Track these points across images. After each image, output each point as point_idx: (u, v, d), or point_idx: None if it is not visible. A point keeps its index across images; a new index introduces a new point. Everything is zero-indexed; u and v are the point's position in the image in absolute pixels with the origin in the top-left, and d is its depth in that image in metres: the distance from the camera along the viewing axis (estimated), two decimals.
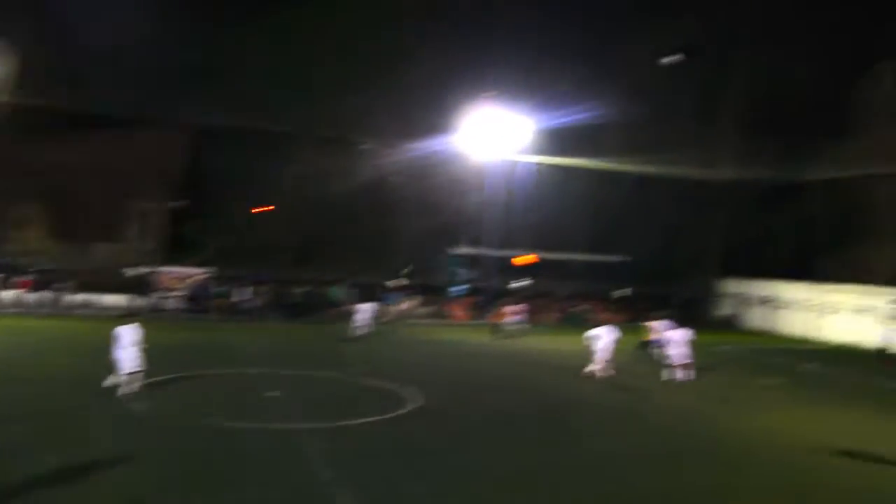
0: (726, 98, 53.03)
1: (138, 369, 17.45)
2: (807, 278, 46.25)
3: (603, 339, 24.15)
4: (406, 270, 46.34)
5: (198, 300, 40.01)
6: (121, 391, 17.33)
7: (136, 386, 17.50)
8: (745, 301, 51.16)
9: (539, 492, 12.71)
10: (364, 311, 32.83)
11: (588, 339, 24.65)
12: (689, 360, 23.71)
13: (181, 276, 40.52)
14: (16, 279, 37.99)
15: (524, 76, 47.84)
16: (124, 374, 17.40)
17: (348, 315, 35.98)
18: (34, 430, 14.64)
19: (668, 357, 24.16)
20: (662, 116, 49.30)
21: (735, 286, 52.29)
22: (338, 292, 40.74)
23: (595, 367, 24.19)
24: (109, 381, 17.66)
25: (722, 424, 18.85)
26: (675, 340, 23.95)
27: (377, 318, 34.41)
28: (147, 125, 40.91)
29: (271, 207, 48.83)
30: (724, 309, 52.67)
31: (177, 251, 47.85)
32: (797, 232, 50.68)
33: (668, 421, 19.04)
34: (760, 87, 50.68)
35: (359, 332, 32.14)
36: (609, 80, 48.68)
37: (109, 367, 17.66)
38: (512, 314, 37.24)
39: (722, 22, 51.49)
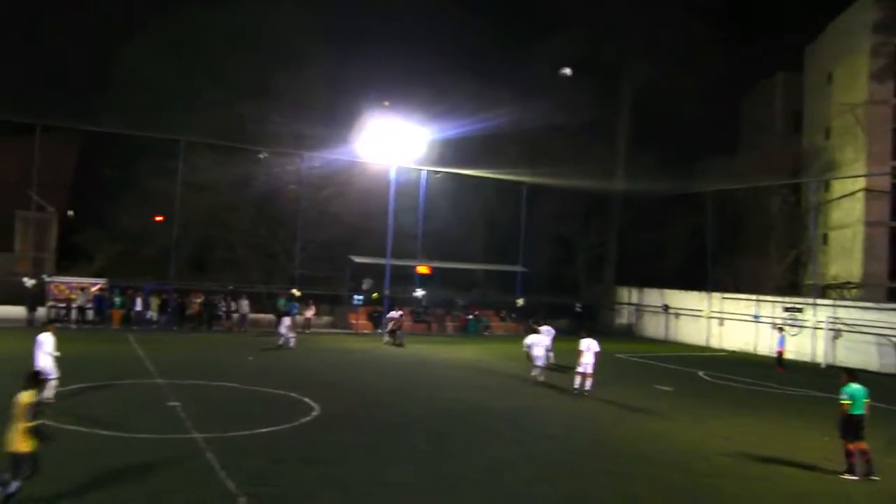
0: (620, 111, 56.41)
1: (53, 377, 18.42)
2: (698, 287, 49.19)
3: (539, 346, 26.75)
4: (366, 285, 47.78)
5: (95, 310, 40.54)
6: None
7: (50, 394, 18.24)
8: (641, 310, 54.07)
9: (438, 499, 13.38)
10: (285, 322, 34.19)
11: (526, 346, 27.12)
12: (591, 370, 24.66)
13: (76, 287, 40.94)
14: None
15: (421, 86, 50.09)
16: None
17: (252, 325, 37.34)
18: None
19: (579, 365, 24.85)
20: (558, 128, 52.16)
21: (631, 295, 55.21)
22: (285, 303, 42.02)
23: (536, 371, 26.68)
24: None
25: (616, 430, 19.54)
26: (582, 349, 24.82)
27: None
28: (35, 132, 41.21)
29: (162, 217, 49.30)
30: (621, 318, 55.61)
31: (70, 261, 48.31)
32: (688, 242, 53.95)
33: (560, 428, 19.57)
34: (654, 101, 53.93)
35: (288, 343, 33.73)
36: (505, 91, 51.40)
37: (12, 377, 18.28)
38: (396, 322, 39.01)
39: (616, 37, 54.74)
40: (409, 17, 53.11)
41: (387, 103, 48.46)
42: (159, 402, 19.81)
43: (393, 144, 45.37)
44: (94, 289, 40.72)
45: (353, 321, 45.28)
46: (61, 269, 45.96)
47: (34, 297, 39.28)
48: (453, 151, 49.11)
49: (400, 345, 37.37)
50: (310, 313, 43.35)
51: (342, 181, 48.95)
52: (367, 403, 21.84)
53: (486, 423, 19.87)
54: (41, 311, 39.09)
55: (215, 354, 31.48)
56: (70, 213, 52.24)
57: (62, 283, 40.98)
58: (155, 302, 41.93)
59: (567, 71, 38.37)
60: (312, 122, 48.75)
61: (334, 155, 47.52)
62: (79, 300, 40.08)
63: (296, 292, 43.72)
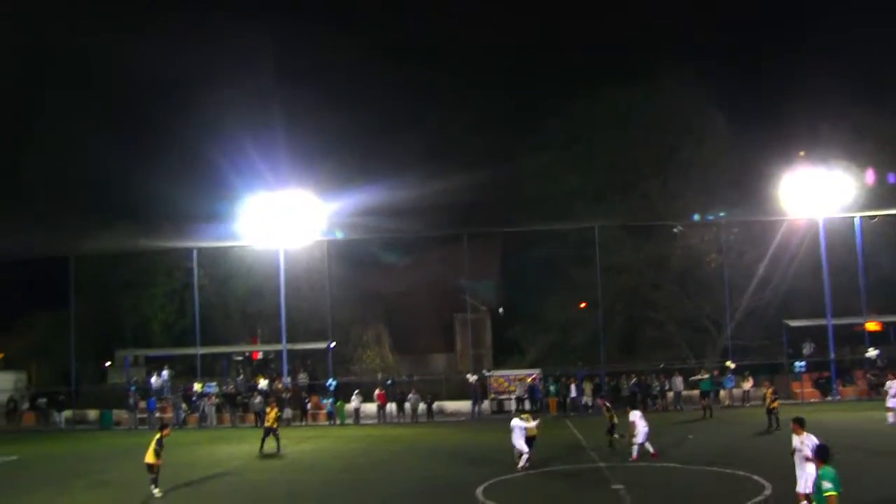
0: None
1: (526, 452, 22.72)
2: None
3: None
4: (807, 350, 44.68)
5: (531, 399, 41.86)
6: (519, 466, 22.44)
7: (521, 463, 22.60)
8: None
9: None
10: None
11: None
12: None
13: (514, 378, 42.82)
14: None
15: (841, 128, 46.13)
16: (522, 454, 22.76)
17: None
18: None
19: None
20: None
21: None
22: (707, 383, 40.09)
23: None
24: (522, 463, 22.69)
25: None
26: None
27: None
28: (463, 240, 44.64)
29: (585, 304, 50.16)
30: None
31: (505, 354, 50.89)
32: None
33: None
34: None
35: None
36: None
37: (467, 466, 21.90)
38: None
39: None
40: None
41: (802, 153, 45.30)
42: (603, 486, 20.14)
43: (817, 195, 42.16)
44: (529, 379, 42.28)
45: (797, 390, 41.71)
46: (497, 364, 48.58)
47: (476, 391, 42.38)
48: (891, 190, 44.09)
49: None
50: (747, 385, 40.99)
51: (765, 242, 46.35)
52: None
53: None
54: (485, 404, 41.30)
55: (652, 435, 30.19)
56: (500, 309, 55.25)
57: (500, 377, 43.38)
58: (588, 386, 42.67)
59: None
60: (722, 187, 47.76)
61: (752, 217, 45.30)
62: (517, 391, 41.55)
63: (729, 364, 41.86)
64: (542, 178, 51.75)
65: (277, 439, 29.51)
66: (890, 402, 29.39)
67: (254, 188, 45.19)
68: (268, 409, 30.80)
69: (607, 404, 27.41)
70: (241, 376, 47.80)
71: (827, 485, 10.76)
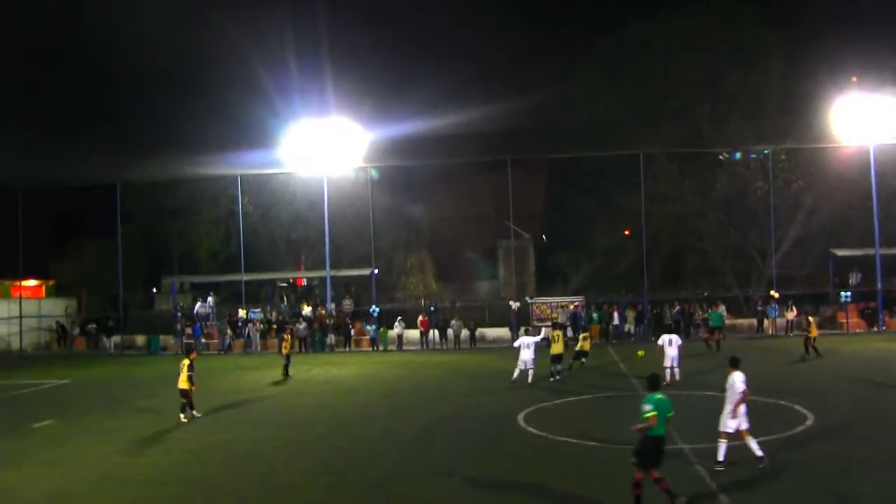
0: None
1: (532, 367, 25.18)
2: None
3: None
4: (853, 280, 44.14)
5: (572, 327, 41.94)
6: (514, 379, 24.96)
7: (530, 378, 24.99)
8: None
9: None
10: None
11: None
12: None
13: (557, 305, 42.98)
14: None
15: (891, 56, 44.76)
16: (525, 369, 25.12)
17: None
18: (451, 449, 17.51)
19: None
20: None
21: None
22: (718, 318, 39.41)
23: None
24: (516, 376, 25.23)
25: None
26: None
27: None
28: (507, 167, 44.37)
29: (627, 232, 49.94)
30: None
31: (549, 282, 50.98)
32: None
33: None
34: None
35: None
36: None
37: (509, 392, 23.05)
38: None
39: None
40: None
41: (854, 78, 44.06)
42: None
43: (868, 121, 41.25)
44: (572, 306, 42.62)
45: (843, 320, 41.43)
46: (540, 291, 48.87)
47: (513, 319, 42.95)
48: None
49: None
50: (791, 315, 40.85)
51: (814, 171, 45.78)
52: (870, 412, 19.63)
53: None
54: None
55: (691, 363, 30.04)
56: (544, 237, 55.23)
57: (543, 303, 44.13)
58: (630, 314, 43.46)
59: None
60: (771, 113, 47.05)
61: (800, 144, 44.60)
62: (560, 318, 41.81)
63: (774, 294, 41.60)
64: (590, 103, 51.23)
65: (285, 367, 30.64)
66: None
67: (298, 115, 45.62)
68: (285, 336, 32.25)
69: (585, 334, 30.12)
70: (286, 303, 48.52)
71: (646, 407, 12.52)
